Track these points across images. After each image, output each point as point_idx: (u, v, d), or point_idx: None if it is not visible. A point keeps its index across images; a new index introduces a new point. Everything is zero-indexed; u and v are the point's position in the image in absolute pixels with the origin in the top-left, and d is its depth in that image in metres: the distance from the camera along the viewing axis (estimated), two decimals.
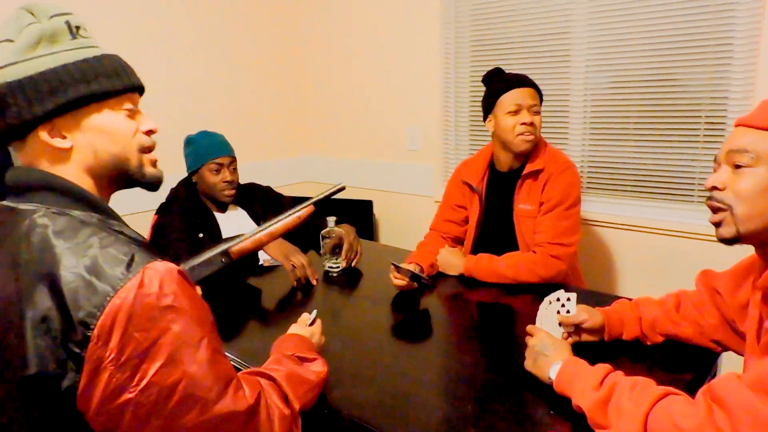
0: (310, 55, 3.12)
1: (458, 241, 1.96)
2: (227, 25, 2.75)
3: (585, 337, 1.26)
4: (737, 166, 0.92)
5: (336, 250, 1.87)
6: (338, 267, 1.87)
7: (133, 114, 0.85)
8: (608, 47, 2.13)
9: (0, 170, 0.84)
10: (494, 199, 1.85)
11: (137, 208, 2.16)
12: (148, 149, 0.87)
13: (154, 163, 0.89)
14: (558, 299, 1.25)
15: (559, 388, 1.03)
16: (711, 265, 1.30)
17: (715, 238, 0.97)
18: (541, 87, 1.78)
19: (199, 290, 1.22)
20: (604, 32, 2.13)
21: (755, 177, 0.90)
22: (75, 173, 0.81)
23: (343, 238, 1.87)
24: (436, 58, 2.62)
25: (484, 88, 1.83)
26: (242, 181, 2.07)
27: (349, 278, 1.84)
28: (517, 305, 1.59)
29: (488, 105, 1.79)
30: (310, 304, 1.64)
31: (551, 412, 1.03)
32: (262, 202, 2.12)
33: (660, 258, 2.12)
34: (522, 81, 1.75)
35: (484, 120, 1.82)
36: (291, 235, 1.88)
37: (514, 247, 1.78)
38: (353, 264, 1.90)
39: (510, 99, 1.72)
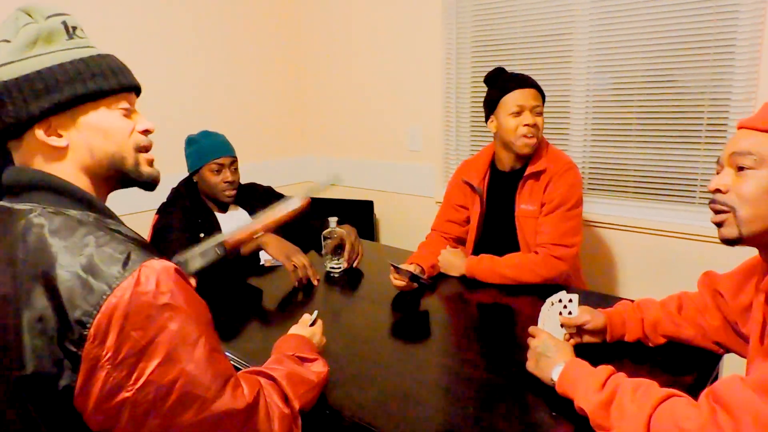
0: (310, 55, 3.12)
1: (459, 242, 1.95)
2: (227, 25, 2.75)
3: (587, 339, 1.26)
4: (740, 169, 0.91)
5: (337, 250, 1.86)
6: (339, 268, 1.86)
7: (129, 113, 0.85)
8: (610, 48, 2.13)
9: None
10: (496, 200, 1.84)
11: (137, 208, 2.16)
12: (145, 148, 0.87)
13: (150, 163, 0.89)
14: (560, 300, 1.25)
15: (561, 389, 1.02)
16: (713, 266, 1.29)
17: (717, 240, 0.97)
18: (542, 88, 1.76)
19: (193, 282, 1.22)
20: (606, 33, 2.13)
21: (759, 179, 0.89)
22: (71, 172, 0.81)
23: (344, 238, 1.87)
24: (438, 58, 2.61)
25: (485, 89, 1.82)
26: (243, 181, 2.07)
27: (350, 279, 1.84)
28: (518, 306, 1.58)
29: (490, 106, 1.77)
30: (311, 305, 1.64)
31: (553, 413, 1.02)
32: (262, 202, 2.12)
33: (662, 259, 2.12)
34: (525, 82, 1.73)
35: (486, 120, 1.80)
36: (292, 235, 1.89)
37: (516, 247, 1.78)
38: (354, 265, 1.90)
39: (512, 100, 1.71)
